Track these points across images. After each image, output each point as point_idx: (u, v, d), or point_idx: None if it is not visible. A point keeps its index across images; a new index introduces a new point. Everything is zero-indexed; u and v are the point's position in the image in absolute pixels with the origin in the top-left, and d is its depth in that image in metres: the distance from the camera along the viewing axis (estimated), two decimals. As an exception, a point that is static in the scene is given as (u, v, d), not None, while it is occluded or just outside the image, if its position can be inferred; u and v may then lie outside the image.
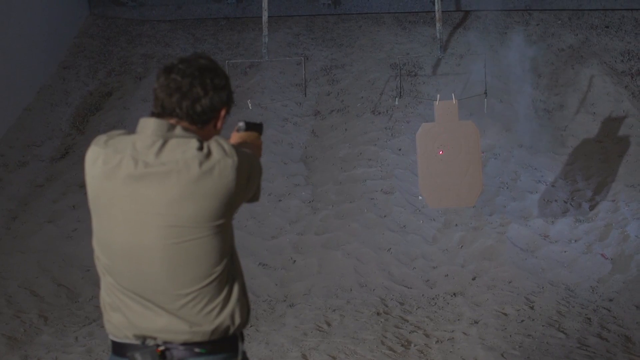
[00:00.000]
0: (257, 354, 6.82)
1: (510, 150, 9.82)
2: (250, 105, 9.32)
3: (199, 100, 2.99)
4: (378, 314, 7.70)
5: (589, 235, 8.75)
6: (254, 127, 3.62)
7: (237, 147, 3.00)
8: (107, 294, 3.05)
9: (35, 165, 10.21)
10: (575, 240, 8.70)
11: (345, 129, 10.35)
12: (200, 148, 2.92)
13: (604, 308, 7.60)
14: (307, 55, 11.22)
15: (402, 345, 6.94)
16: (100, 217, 3.01)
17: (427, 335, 7.17)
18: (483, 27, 11.65)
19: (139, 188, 2.92)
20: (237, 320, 3.03)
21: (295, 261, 8.67)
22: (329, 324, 7.50)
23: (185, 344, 2.97)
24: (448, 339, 7.07)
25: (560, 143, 9.90)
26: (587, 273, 8.25)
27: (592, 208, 9.06)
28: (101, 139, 3.08)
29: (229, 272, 3.03)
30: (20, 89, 11.00)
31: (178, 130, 2.97)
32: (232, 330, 3.03)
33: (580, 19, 11.56)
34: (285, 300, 8.14)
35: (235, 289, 3.04)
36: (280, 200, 9.49)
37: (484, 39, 11.38)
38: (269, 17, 9.51)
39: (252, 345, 7.00)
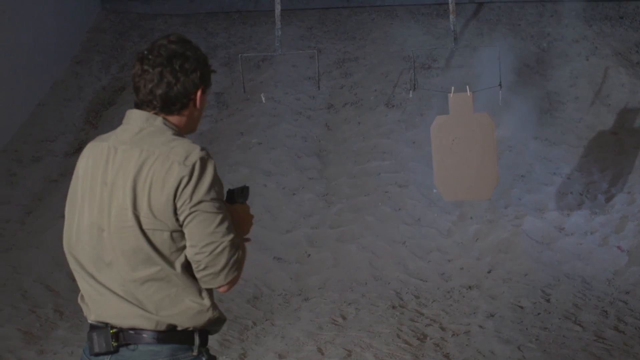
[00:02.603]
0: (273, 348, 6.81)
1: (525, 142, 9.77)
2: (264, 99, 9.29)
3: (171, 88, 3.03)
4: (393, 307, 7.68)
5: (605, 227, 8.72)
6: (238, 196, 3.20)
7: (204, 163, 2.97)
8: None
9: (49, 160, 10.22)
10: (591, 233, 8.67)
11: (359, 122, 10.33)
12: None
13: (621, 300, 7.58)
14: (320, 48, 11.20)
15: (418, 339, 6.93)
16: (73, 201, 3.17)
17: (442, 329, 7.15)
18: (497, 19, 11.60)
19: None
20: (186, 322, 3.03)
21: (309, 255, 8.66)
22: (344, 318, 7.48)
23: (133, 328, 3.01)
24: (464, 332, 7.05)
25: (575, 135, 9.85)
26: (603, 265, 8.22)
27: (607, 200, 9.02)
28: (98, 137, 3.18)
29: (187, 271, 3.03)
30: (33, 84, 11.01)
31: (158, 121, 3.04)
32: (181, 327, 3.03)
33: (594, 10, 11.50)
34: (300, 294, 8.13)
35: (196, 290, 3.03)
36: (294, 194, 9.47)
37: (497, 30, 11.34)
38: (281, 10, 9.45)
39: (267, 339, 7.00)
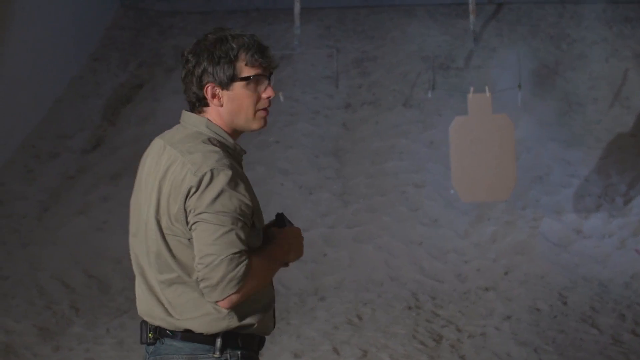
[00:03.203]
0: (289, 347, 6.80)
1: (543, 144, 9.73)
2: (282, 97, 9.30)
3: (186, 86, 3.10)
4: (409, 308, 7.66)
5: (623, 230, 8.67)
6: (287, 220, 3.19)
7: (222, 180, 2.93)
8: None
9: (66, 156, 10.24)
10: (609, 236, 8.63)
11: (377, 122, 10.31)
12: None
13: (638, 304, 7.53)
14: (338, 47, 11.18)
15: (434, 340, 6.91)
16: (135, 194, 3.15)
17: (459, 330, 7.13)
18: (516, 20, 11.56)
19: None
20: (201, 328, 3.01)
21: (326, 254, 8.65)
22: (360, 318, 7.47)
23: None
24: (480, 334, 7.02)
25: (594, 137, 9.80)
26: (620, 269, 8.18)
27: (626, 203, 8.97)
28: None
29: None
30: (51, 80, 11.03)
31: (198, 123, 3.08)
32: (197, 332, 3.02)
33: (614, 12, 11.45)
34: (316, 294, 8.12)
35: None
36: (311, 194, 9.46)
37: (517, 31, 11.30)
38: (300, 9, 9.47)
39: (283, 339, 6.99)
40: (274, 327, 3.25)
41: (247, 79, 3.03)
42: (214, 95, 3.04)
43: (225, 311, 2.98)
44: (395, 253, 8.62)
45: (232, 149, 3.06)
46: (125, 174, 9.52)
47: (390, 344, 6.83)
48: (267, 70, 3.08)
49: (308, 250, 8.73)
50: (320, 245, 8.77)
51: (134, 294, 3.25)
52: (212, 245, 2.86)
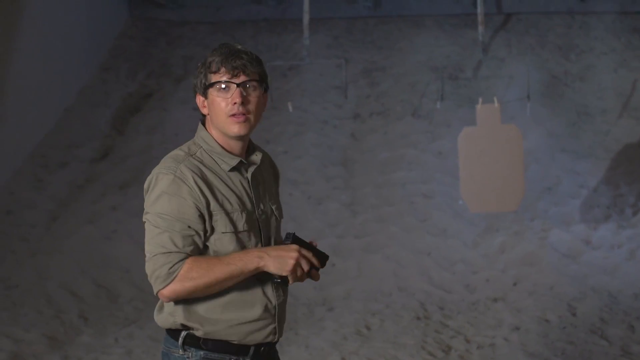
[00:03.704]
0: (297, 358, 6.80)
1: (552, 154, 9.72)
2: (290, 107, 9.31)
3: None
4: (418, 318, 7.66)
5: (632, 241, 8.66)
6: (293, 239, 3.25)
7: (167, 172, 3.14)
8: None
9: (75, 166, 10.26)
10: (618, 247, 8.61)
11: (385, 132, 10.31)
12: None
13: (648, 315, 7.52)
14: (346, 57, 11.19)
15: (443, 351, 6.90)
16: None
17: (467, 341, 7.12)
18: (525, 30, 11.55)
19: None
20: (159, 320, 3.23)
21: (334, 264, 8.64)
22: (368, 328, 7.46)
23: None
24: (489, 345, 7.01)
25: (603, 148, 9.79)
26: (630, 280, 8.16)
27: (635, 214, 8.95)
28: None
29: None
30: (60, 90, 11.05)
31: (198, 131, 3.33)
32: (171, 325, 3.22)
33: (623, 22, 11.44)
34: (324, 304, 8.11)
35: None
36: (319, 204, 9.46)
37: (525, 42, 11.29)
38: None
39: (291, 349, 6.99)
40: (276, 339, 3.36)
41: (213, 85, 3.16)
42: (201, 104, 3.24)
43: (170, 308, 3.18)
44: (404, 263, 8.62)
45: (218, 153, 3.20)
46: (133, 183, 9.54)
47: (399, 354, 6.82)
48: (235, 77, 3.15)
49: (316, 261, 8.73)
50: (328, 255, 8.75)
51: (143, 304, 3.39)
52: (148, 244, 3.10)
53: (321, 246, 8.91)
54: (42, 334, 7.38)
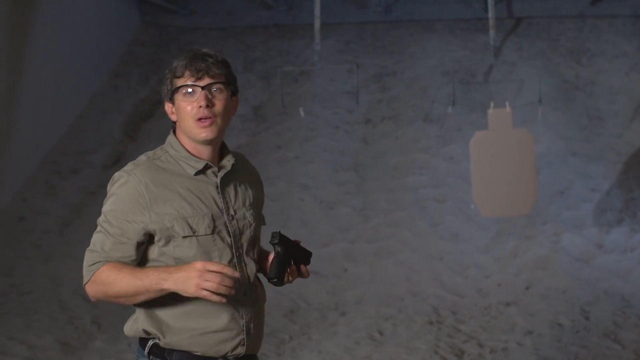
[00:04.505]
0: (310, 363, 6.81)
1: (564, 158, 9.71)
2: (302, 112, 9.32)
3: None
4: (431, 323, 7.65)
5: (645, 245, 8.64)
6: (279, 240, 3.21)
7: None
8: None
9: (87, 172, 10.29)
10: (631, 250, 8.59)
11: (397, 137, 10.31)
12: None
13: (661, 319, 7.50)
14: (358, 62, 11.19)
15: (456, 355, 6.89)
16: None
17: (480, 345, 7.11)
18: (536, 34, 11.54)
19: None
20: (126, 329, 3.22)
21: (346, 269, 8.65)
22: (381, 333, 7.46)
23: None
24: (502, 349, 7.00)
25: (615, 151, 9.77)
26: (643, 283, 8.15)
27: (647, 217, 8.94)
28: None
29: None
30: (72, 96, 11.09)
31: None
32: (135, 333, 3.21)
33: (634, 26, 11.43)
34: (336, 309, 8.11)
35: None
36: (331, 209, 9.47)
37: (536, 46, 11.28)
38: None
39: (304, 354, 6.99)
40: (246, 353, 3.18)
41: (178, 89, 3.11)
42: (170, 111, 3.18)
43: (135, 314, 3.18)
44: (416, 268, 8.61)
45: (184, 157, 3.13)
46: (146, 189, 9.54)
47: (412, 359, 6.81)
48: (199, 79, 3.09)
49: (329, 265, 8.79)
50: (340, 261, 8.77)
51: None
52: (91, 238, 3.14)
53: (333, 251, 8.93)
54: (56, 340, 7.39)
